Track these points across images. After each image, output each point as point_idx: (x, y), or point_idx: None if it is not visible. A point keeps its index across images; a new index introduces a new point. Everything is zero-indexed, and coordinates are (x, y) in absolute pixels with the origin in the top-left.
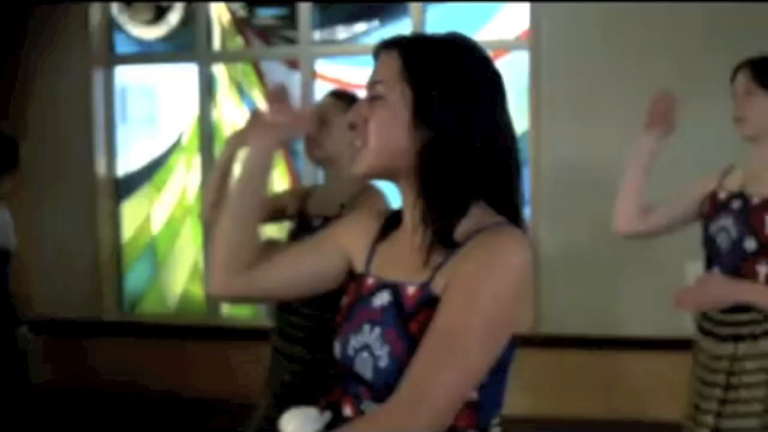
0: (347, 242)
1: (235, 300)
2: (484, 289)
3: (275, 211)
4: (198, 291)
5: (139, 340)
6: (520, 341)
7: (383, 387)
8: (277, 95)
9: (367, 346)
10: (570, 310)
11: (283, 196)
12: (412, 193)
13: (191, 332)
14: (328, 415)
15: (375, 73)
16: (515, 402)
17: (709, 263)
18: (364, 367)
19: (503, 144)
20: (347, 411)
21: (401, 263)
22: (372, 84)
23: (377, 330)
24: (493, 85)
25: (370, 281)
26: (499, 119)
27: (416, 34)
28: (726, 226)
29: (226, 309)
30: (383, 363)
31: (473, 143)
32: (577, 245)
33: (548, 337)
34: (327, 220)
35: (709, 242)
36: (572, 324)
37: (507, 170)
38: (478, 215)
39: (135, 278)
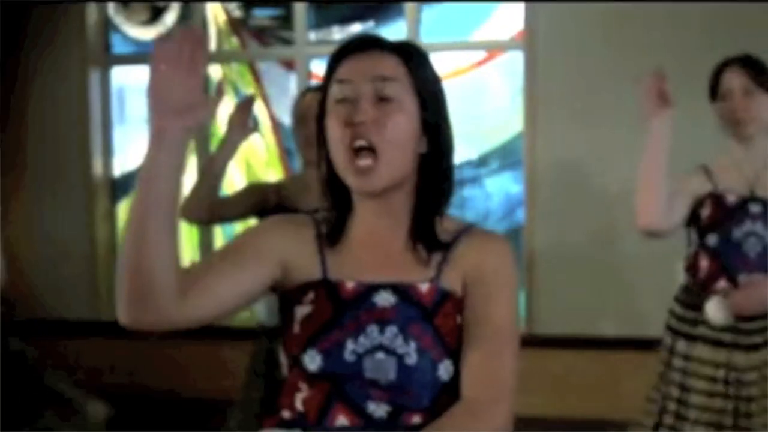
0: (283, 250)
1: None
2: (512, 284)
3: (258, 204)
4: None
5: (138, 340)
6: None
7: (408, 384)
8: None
9: (380, 347)
10: (567, 310)
11: (265, 189)
12: (401, 201)
13: (190, 332)
14: None
15: (374, 67)
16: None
17: (719, 270)
18: (380, 368)
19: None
20: (341, 420)
21: (378, 265)
22: (378, 78)
23: (392, 329)
24: None
25: (350, 285)
26: None
27: (400, 41)
28: (755, 230)
29: None
30: (411, 360)
31: (452, 150)
32: (573, 245)
33: (545, 337)
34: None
35: (732, 248)
36: (569, 324)
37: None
38: (437, 218)
39: None
